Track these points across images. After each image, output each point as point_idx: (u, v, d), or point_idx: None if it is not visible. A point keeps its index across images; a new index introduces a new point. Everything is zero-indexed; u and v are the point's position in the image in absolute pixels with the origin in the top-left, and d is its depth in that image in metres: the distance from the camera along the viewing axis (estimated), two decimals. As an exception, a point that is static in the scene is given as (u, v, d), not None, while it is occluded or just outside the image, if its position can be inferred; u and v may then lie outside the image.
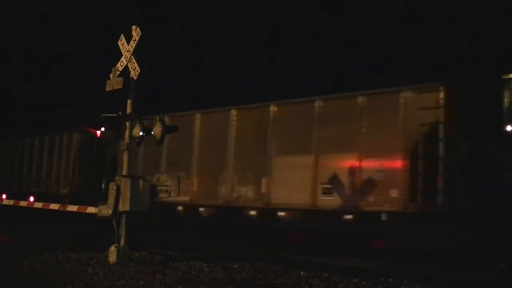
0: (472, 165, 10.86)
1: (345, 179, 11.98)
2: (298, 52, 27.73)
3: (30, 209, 14.54)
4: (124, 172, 9.79)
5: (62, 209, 12.88)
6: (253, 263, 9.51)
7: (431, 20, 23.80)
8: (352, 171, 11.91)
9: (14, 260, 9.58)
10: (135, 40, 9.79)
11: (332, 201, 12.13)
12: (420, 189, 11.04)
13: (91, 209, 10.72)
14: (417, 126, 11.23)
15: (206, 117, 15.46)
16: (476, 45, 21.22)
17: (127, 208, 9.41)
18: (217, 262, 9.60)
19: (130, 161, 9.95)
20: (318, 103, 12.91)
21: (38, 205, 13.96)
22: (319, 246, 12.33)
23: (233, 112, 14.59)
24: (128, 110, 9.94)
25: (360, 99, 12.10)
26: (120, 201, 9.44)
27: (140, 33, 9.77)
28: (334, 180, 12.09)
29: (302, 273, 8.69)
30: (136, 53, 9.81)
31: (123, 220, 9.56)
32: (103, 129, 18.35)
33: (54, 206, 13.15)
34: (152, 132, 10.02)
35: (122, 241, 9.52)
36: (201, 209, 14.70)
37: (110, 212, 9.46)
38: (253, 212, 13.53)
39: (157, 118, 10.28)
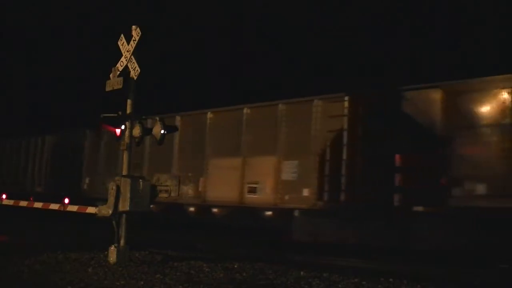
0: (370, 168, 11.91)
1: (266, 179, 13.48)
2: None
3: (29, 209, 14.56)
4: (124, 172, 9.79)
5: (62, 209, 12.88)
6: (253, 263, 9.52)
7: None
8: (272, 172, 13.40)
9: (14, 260, 9.58)
10: (135, 40, 9.80)
11: (255, 199, 13.61)
12: (327, 189, 12.38)
13: (91, 209, 10.72)
14: (326, 132, 12.54)
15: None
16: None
17: (127, 208, 9.42)
18: (217, 262, 9.61)
19: (130, 161, 9.95)
20: (246, 110, 14.39)
21: (38, 205, 13.96)
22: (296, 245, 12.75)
23: (178, 118, 16.00)
24: (128, 110, 9.94)
25: (280, 107, 13.52)
26: (120, 201, 9.45)
27: (140, 33, 9.77)
28: (258, 180, 13.67)
29: (302, 273, 8.70)
30: (136, 53, 9.82)
31: (123, 220, 9.56)
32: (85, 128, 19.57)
33: (54, 206, 13.15)
34: (152, 132, 10.04)
35: (122, 241, 9.53)
36: (151, 205, 15.64)
37: (110, 212, 9.47)
38: (192, 209, 15.20)
39: (157, 118, 10.31)
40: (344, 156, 12.11)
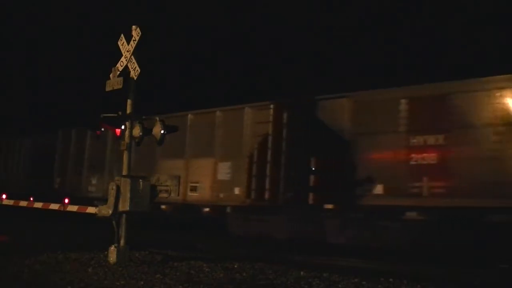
0: (291, 169, 13.20)
1: (205, 179, 14.87)
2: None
3: (29, 209, 14.56)
4: (124, 172, 9.79)
5: (62, 209, 12.88)
6: (253, 263, 9.52)
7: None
8: (210, 172, 14.78)
9: (14, 260, 9.58)
10: (135, 40, 9.80)
11: (196, 197, 15.06)
12: (254, 188, 13.73)
13: (91, 209, 10.72)
14: (255, 137, 13.95)
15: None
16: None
17: (127, 208, 9.42)
18: (217, 262, 9.60)
19: (130, 161, 9.95)
20: (190, 116, 15.71)
21: (38, 205, 13.96)
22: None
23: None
24: (128, 110, 9.94)
25: (217, 114, 14.89)
26: (120, 201, 9.45)
27: (140, 33, 9.78)
28: (198, 180, 15.05)
29: (302, 273, 8.70)
30: (136, 53, 9.81)
31: (123, 220, 9.56)
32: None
33: (54, 206, 13.15)
34: (153, 132, 10.04)
35: (122, 241, 9.53)
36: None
37: (110, 212, 9.46)
38: None
39: (157, 118, 10.32)
40: (269, 158, 13.48)
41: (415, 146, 11.40)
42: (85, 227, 14.31)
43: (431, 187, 11.08)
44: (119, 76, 9.98)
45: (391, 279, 8.19)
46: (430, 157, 11.20)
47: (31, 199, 17.12)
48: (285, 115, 13.52)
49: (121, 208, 9.44)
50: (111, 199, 9.49)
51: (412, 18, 23.69)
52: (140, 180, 9.69)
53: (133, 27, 9.86)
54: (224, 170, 14.46)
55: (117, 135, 10.25)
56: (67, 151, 20.00)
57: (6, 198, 16.79)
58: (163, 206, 15.52)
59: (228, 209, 14.23)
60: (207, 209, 14.67)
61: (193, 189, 15.13)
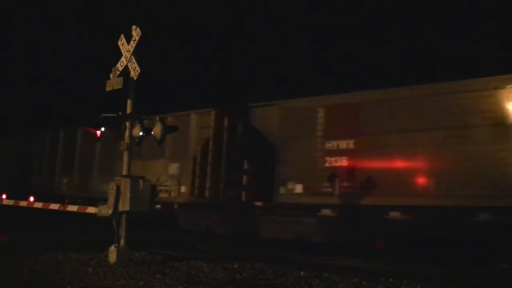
0: (229, 170, 14.52)
1: (158, 178, 15.73)
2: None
3: (29, 209, 14.58)
4: (124, 172, 9.79)
5: (62, 209, 12.89)
6: (253, 263, 9.51)
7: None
8: (162, 172, 16.03)
9: (14, 260, 9.58)
10: (135, 40, 9.79)
11: None
12: (197, 186, 15.04)
13: (91, 209, 10.72)
14: (199, 140, 15.33)
15: None
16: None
17: (127, 208, 9.41)
18: (217, 262, 9.60)
19: (130, 161, 9.95)
20: (146, 122, 16.24)
21: (38, 205, 13.98)
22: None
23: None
24: (128, 110, 9.94)
25: (169, 119, 15.50)
26: (120, 201, 9.44)
27: (140, 33, 9.76)
28: (152, 179, 15.09)
29: (302, 273, 8.69)
30: (136, 53, 9.81)
31: (123, 220, 9.56)
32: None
33: (54, 206, 13.16)
34: (152, 132, 10.04)
35: (122, 241, 9.52)
36: (79, 200, 18.35)
37: (110, 212, 9.46)
38: None
39: (157, 118, 10.32)
40: (209, 160, 14.85)
41: (329, 150, 12.88)
42: (85, 227, 14.33)
43: (341, 187, 12.59)
44: (119, 76, 9.98)
45: (391, 279, 8.19)
46: (342, 160, 12.72)
47: (31, 199, 17.17)
48: (226, 121, 14.82)
49: (121, 208, 9.44)
50: (111, 199, 9.48)
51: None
52: (140, 180, 9.69)
53: (133, 27, 9.85)
54: (173, 170, 15.87)
55: (97, 137, 10.63)
56: (43, 151, 21.53)
57: (6, 198, 16.82)
58: None
59: (175, 206, 15.65)
60: (158, 206, 15.39)
61: None
